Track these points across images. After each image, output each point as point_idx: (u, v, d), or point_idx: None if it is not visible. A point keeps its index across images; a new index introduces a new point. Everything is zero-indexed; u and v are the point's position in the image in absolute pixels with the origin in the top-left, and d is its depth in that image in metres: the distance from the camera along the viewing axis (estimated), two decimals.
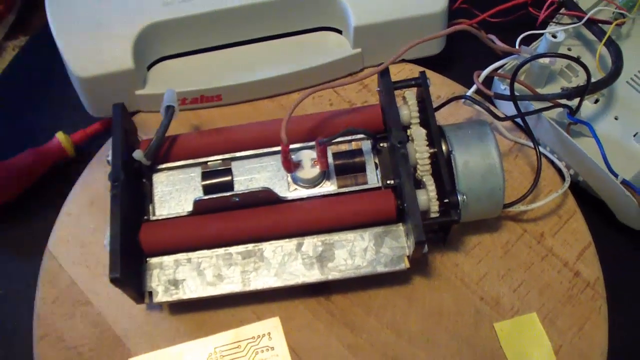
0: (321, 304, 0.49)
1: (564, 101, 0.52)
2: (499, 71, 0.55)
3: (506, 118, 0.52)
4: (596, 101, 0.57)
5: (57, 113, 0.61)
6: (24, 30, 0.69)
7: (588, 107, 0.57)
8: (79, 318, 0.50)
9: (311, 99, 0.56)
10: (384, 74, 0.48)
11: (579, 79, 0.57)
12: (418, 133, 0.46)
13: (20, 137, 0.60)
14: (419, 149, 0.46)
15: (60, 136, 0.56)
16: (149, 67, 0.56)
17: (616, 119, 0.56)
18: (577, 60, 0.49)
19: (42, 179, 0.57)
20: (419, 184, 0.46)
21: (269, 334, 0.48)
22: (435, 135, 0.47)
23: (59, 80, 0.59)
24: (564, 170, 0.52)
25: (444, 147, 0.47)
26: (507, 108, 0.55)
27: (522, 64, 0.49)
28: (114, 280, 0.42)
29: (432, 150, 0.46)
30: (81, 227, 0.53)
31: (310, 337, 0.48)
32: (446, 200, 0.45)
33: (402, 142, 0.45)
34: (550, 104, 0.52)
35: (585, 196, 0.54)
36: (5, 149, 0.56)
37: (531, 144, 0.54)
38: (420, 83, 0.48)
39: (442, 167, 0.46)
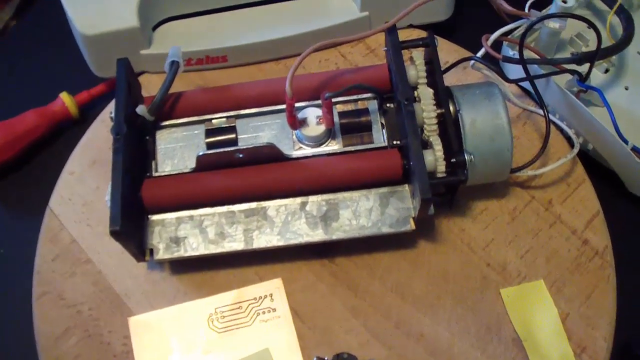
0: (324, 266, 0.49)
1: (573, 68, 0.51)
2: (508, 37, 0.54)
3: (514, 80, 0.51)
4: (606, 71, 0.56)
5: (62, 74, 0.61)
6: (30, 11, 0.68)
7: (598, 77, 0.56)
8: (79, 276, 0.49)
9: (317, 62, 0.56)
10: (391, 31, 0.47)
11: (589, 48, 0.56)
12: (425, 92, 0.46)
13: (24, 97, 0.60)
14: (426, 108, 0.45)
15: (64, 96, 0.56)
16: (155, 28, 0.55)
17: (626, 89, 0.56)
18: (586, 20, 0.48)
19: (45, 140, 0.57)
20: (425, 145, 0.45)
21: (271, 295, 0.47)
22: (443, 94, 0.46)
23: (66, 42, 0.58)
24: (573, 136, 0.52)
25: (451, 107, 0.46)
26: (515, 75, 0.55)
27: (532, 24, 0.49)
28: (113, 233, 0.41)
29: (439, 111, 0.46)
30: (83, 186, 0.52)
31: (312, 299, 0.47)
32: (453, 160, 0.45)
33: (409, 99, 0.44)
34: (558, 69, 0.51)
35: (594, 166, 0.53)
36: (8, 109, 0.56)
37: (540, 111, 0.53)
38: (428, 43, 0.48)
39: (450, 127, 0.45)
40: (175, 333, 0.46)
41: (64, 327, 0.47)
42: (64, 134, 0.58)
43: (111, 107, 0.53)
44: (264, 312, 0.47)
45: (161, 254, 0.46)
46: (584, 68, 0.51)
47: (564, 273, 0.48)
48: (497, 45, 0.53)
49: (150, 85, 0.55)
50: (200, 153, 0.45)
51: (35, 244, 0.50)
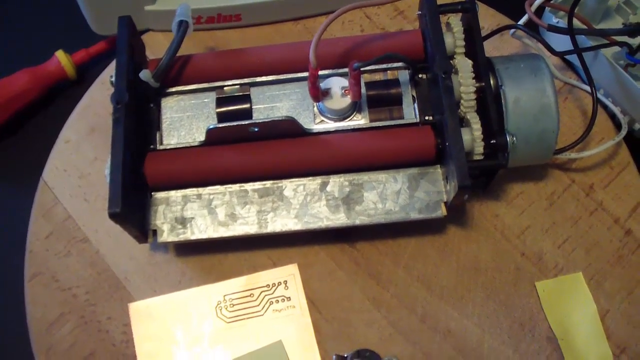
0: (345, 252, 0.45)
1: (622, 39, 0.46)
2: (551, 2, 0.49)
3: (562, 53, 0.46)
4: None
5: (58, 31, 0.56)
6: None
7: None
8: (75, 256, 0.45)
9: (340, 24, 0.51)
10: None
11: (638, 17, 0.51)
12: (464, 64, 0.41)
13: (16, 55, 0.55)
14: (464, 82, 0.41)
15: (60, 55, 0.52)
16: None
17: None
18: None
19: (39, 102, 0.53)
20: (461, 122, 0.41)
21: (285, 282, 0.44)
22: (483, 66, 0.42)
23: None
24: (620, 115, 0.47)
25: (492, 81, 0.42)
26: (556, 45, 0.50)
27: None
28: (113, 216, 0.37)
29: (478, 84, 0.41)
30: (80, 155, 0.48)
31: (330, 287, 0.44)
32: (493, 142, 0.40)
33: (448, 73, 0.40)
34: (608, 41, 0.46)
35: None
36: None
37: (582, 86, 0.49)
38: (468, 8, 0.43)
39: (490, 104, 0.41)
40: (179, 322, 0.43)
41: (58, 313, 0.44)
42: (60, 97, 0.54)
43: (112, 68, 0.49)
44: (277, 301, 0.43)
45: (165, 235, 0.42)
46: (634, 41, 0.46)
47: (604, 266, 0.45)
48: (537, 11, 0.47)
49: (155, 45, 0.50)
50: (211, 126, 0.41)
51: (27, 219, 0.46)
